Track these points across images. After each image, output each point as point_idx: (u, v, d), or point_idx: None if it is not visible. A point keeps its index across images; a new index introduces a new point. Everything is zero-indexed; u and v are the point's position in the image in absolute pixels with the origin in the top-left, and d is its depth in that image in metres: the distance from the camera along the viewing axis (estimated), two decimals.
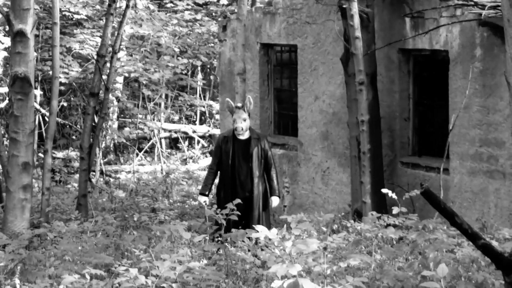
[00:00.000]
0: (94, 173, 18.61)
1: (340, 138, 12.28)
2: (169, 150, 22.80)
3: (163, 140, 22.62)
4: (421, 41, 10.92)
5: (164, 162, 21.00)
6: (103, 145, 21.07)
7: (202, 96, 24.27)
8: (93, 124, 12.96)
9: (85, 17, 20.17)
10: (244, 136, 10.10)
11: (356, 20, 10.62)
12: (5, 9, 10.68)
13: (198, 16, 21.10)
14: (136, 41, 20.26)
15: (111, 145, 21.90)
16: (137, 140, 22.33)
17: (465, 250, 7.56)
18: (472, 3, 10.39)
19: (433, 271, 5.81)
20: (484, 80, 10.20)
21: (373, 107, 10.95)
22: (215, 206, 8.65)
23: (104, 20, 16.05)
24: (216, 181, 10.36)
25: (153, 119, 22.57)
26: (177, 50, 20.14)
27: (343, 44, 11.22)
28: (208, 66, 23.88)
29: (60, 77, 16.64)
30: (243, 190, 9.98)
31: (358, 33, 10.61)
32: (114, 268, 7.06)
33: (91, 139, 12.19)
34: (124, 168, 20.78)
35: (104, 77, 12.42)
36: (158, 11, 21.30)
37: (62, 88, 20.17)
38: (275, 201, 10.14)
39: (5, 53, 19.52)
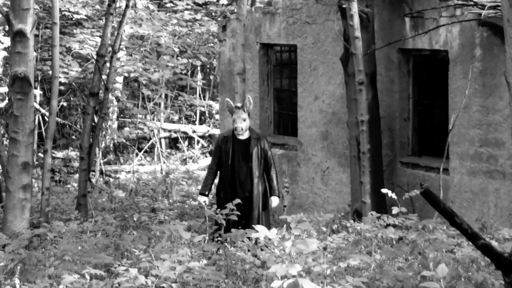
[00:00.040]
0: (94, 173, 18.61)
1: (340, 138, 12.28)
2: (168, 150, 22.80)
3: (162, 140, 22.62)
4: (421, 41, 10.92)
5: (164, 162, 21.00)
6: (103, 145, 21.07)
7: (201, 96, 24.27)
8: (93, 124, 12.95)
9: (85, 17, 20.17)
10: (244, 136, 10.10)
11: (356, 20, 10.62)
12: (5, 9, 10.68)
13: (198, 16, 21.10)
14: (136, 41, 20.26)
15: (111, 145, 21.90)
16: (136, 140, 22.33)
17: (465, 250, 7.56)
18: (472, 3, 10.40)
19: (433, 271, 5.81)
20: (484, 80, 10.20)
21: (372, 107, 10.95)
22: (215, 206, 8.65)
23: (103, 20, 16.06)
24: (216, 181, 10.36)
25: (153, 119, 22.57)
26: (176, 50, 20.14)
27: (343, 44, 11.22)
28: (208, 66, 23.87)
29: (59, 77, 16.62)
30: (243, 190, 9.98)
31: (358, 33, 10.61)
32: (114, 268, 7.06)
33: (91, 139, 12.19)
34: (124, 168, 20.78)
35: (104, 77, 12.42)
36: (158, 11, 21.30)
37: (62, 88, 20.17)
38: (274, 201, 10.14)
39: (5, 53, 19.52)
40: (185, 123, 23.69)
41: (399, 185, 11.19)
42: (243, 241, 8.22)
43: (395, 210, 8.05)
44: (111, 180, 19.10)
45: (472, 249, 7.44)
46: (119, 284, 6.38)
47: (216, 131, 21.75)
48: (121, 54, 19.32)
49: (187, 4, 21.68)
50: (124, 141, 21.44)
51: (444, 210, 5.29)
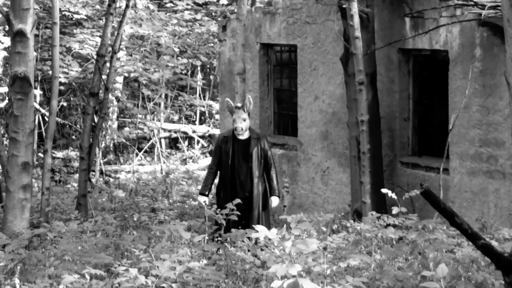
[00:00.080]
0: (94, 173, 18.61)
1: (340, 138, 12.28)
2: (168, 150, 22.80)
3: (162, 140, 22.62)
4: (421, 41, 10.92)
5: (164, 162, 21.00)
6: (103, 145, 21.07)
7: (202, 96, 24.27)
8: (93, 124, 12.95)
9: (85, 17, 20.16)
10: (244, 136, 10.10)
11: (356, 20, 10.62)
12: (5, 9, 10.68)
13: (198, 16, 21.10)
14: (136, 41, 20.26)
15: (111, 145, 21.90)
16: (136, 140, 22.33)
17: (465, 250, 7.56)
18: (472, 3, 10.39)
19: (433, 271, 5.81)
20: (484, 80, 10.20)
21: (373, 107, 10.95)
22: (215, 206, 8.65)
23: (104, 20, 16.06)
24: (216, 181, 10.36)
25: (153, 119, 22.57)
26: (177, 50, 20.14)
27: (343, 44, 11.22)
28: (208, 66, 23.87)
29: (59, 77, 16.62)
30: (243, 190, 9.98)
31: (358, 33, 10.61)
32: (114, 268, 7.06)
33: (91, 139, 12.19)
34: (123, 168, 20.78)
35: (104, 77, 12.42)
36: (158, 11, 21.30)
37: (62, 88, 20.17)
38: (274, 201, 10.14)
39: (5, 53, 19.52)
40: (185, 123, 23.69)
41: (399, 185, 11.19)
42: (243, 241, 8.22)
43: (395, 210, 8.05)
44: (111, 180, 19.09)
45: (472, 249, 7.44)
46: (119, 284, 6.38)
47: (216, 131, 21.75)
48: (121, 54, 19.32)
49: (187, 4, 21.68)
50: (124, 141, 21.44)
51: (444, 210, 5.29)
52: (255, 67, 13.64)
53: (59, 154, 20.70)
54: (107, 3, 12.93)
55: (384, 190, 8.19)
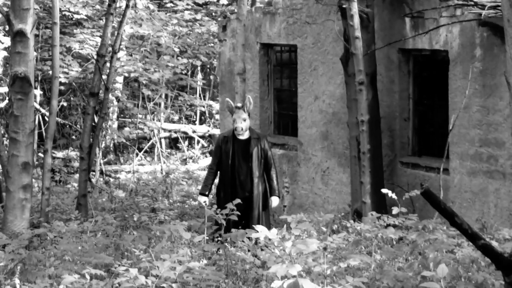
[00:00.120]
0: (94, 173, 18.61)
1: (340, 138, 12.28)
2: (169, 150, 22.80)
3: (163, 140, 22.62)
4: (421, 41, 10.92)
5: (164, 162, 21.00)
6: (103, 145, 21.07)
7: (202, 96, 24.27)
8: (93, 124, 12.95)
9: (85, 17, 20.17)
10: (244, 136, 10.10)
11: (356, 20, 10.62)
12: (5, 9, 10.68)
13: (198, 16, 21.10)
14: (136, 41, 20.26)
15: (111, 145, 21.90)
16: (137, 140, 22.33)
17: (465, 251, 7.56)
18: (472, 3, 10.39)
19: (433, 271, 5.81)
20: (484, 80, 10.20)
21: (373, 107, 10.95)
22: (215, 206, 8.65)
23: (104, 20, 16.05)
24: (216, 181, 10.36)
25: (153, 119, 22.57)
26: (177, 50, 20.14)
27: (343, 44, 11.22)
28: (208, 66, 23.88)
29: (60, 77, 16.63)
30: (243, 190, 9.98)
31: (358, 33, 10.61)
32: (114, 268, 7.06)
33: (91, 139, 12.19)
34: (124, 168, 20.78)
35: (104, 77, 12.42)
36: (158, 11, 21.30)
37: (62, 88, 20.17)
38: (275, 201, 10.14)
39: (5, 53, 19.52)
40: (185, 123, 23.69)
41: (399, 185, 11.19)
42: (243, 241, 8.22)
43: (395, 210, 8.05)
44: (111, 180, 19.09)
45: (472, 249, 7.44)
46: (119, 284, 6.38)
47: (216, 131, 21.75)
48: (121, 54, 19.33)
49: (187, 4, 21.68)
50: (124, 141, 21.44)
51: (444, 210, 5.29)
52: (255, 67, 13.64)
53: (59, 154, 20.70)
54: (107, 3, 12.93)
55: (384, 190, 8.19)
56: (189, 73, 23.27)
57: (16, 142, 9.65)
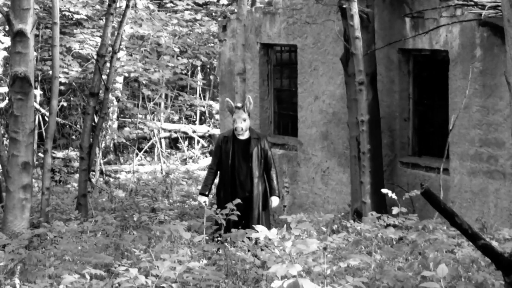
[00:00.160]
0: (94, 173, 18.61)
1: (340, 138, 12.28)
2: (169, 150, 22.80)
3: (163, 140, 22.62)
4: (421, 41, 10.92)
5: (164, 162, 21.00)
6: (103, 145, 21.07)
7: (202, 96, 24.27)
8: (93, 124, 12.95)
9: (85, 17, 20.17)
10: (244, 136, 10.10)
11: (356, 20, 10.62)
12: (5, 8, 10.68)
13: (198, 16, 21.11)
14: (136, 41, 20.26)
15: (111, 145, 21.90)
16: (137, 140, 22.33)
17: (465, 251, 7.56)
18: (472, 3, 10.39)
19: (433, 271, 5.81)
20: (484, 80, 10.20)
21: (373, 107, 10.95)
22: (215, 206, 8.65)
23: (104, 20, 16.05)
24: (216, 181, 10.36)
25: (153, 119, 22.57)
26: (177, 50, 20.14)
27: (343, 44, 11.22)
28: (208, 66, 23.88)
29: (60, 77, 16.63)
30: (243, 190, 9.98)
31: (358, 33, 10.61)
32: (114, 268, 7.06)
33: (91, 139, 12.19)
34: (124, 168, 20.78)
35: (104, 77, 12.42)
36: (158, 11, 21.31)
37: (62, 88, 20.17)
38: (275, 201, 10.14)
39: (5, 53, 19.52)
40: (185, 123, 23.69)
41: (399, 185, 11.19)
42: (243, 241, 8.22)
43: (395, 210, 8.05)
44: (111, 180, 19.09)
45: (472, 249, 7.44)
46: (119, 284, 6.38)
47: (216, 131, 21.75)
48: (121, 54, 19.33)
49: (187, 4, 21.68)
50: (124, 141, 21.44)
51: (444, 210, 5.29)
52: (255, 67, 13.64)
53: (59, 154, 20.70)
54: (107, 3, 12.93)
55: (384, 190, 8.19)
56: (189, 73, 23.27)
57: (16, 142, 9.65)
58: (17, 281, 6.97)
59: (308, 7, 12.68)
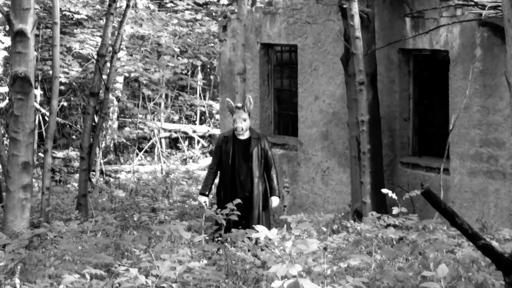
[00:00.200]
0: (94, 173, 18.61)
1: (340, 138, 12.28)
2: (169, 150, 22.80)
3: (163, 140, 22.62)
4: (421, 41, 10.92)
5: (164, 162, 21.00)
6: (103, 145, 21.07)
7: (202, 96, 24.27)
8: (93, 124, 12.95)
9: (85, 17, 20.17)
10: (244, 136, 10.10)
11: (356, 20, 10.62)
12: (5, 8, 10.68)
13: (198, 16, 21.11)
14: (136, 41, 20.26)
15: (111, 145, 21.90)
16: (137, 140, 22.33)
17: (465, 251, 7.56)
18: (472, 3, 10.39)
19: (433, 271, 5.81)
20: (484, 80, 10.20)
21: (373, 107, 10.95)
22: (215, 206, 8.65)
23: (104, 20, 16.05)
24: (216, 181, 10.36)
25: (153, 119, 22.57)
26: (177, 50, 20.14)
27: (343, 44, 11.22)
28: (208, 66, 23.88)
29: (60, 77, 16.64)
30: (243, 190, 9.98)
31: (358, 33, 10.61)
32: (114, 268, 7.06)
33: (91, 139, 12.19)
34: (124, 168, 20.78)
35: (104, 76, 12.42)
36: (158, 11, 21.31)
37: (62, 87, 20.17)
38: (275, 201, 10.14)
39: (5, 53, 19.52)
40: (185, 123, 23.69)
41: (400, 185, 11.19)
42: (243, 241, 8.22)
43: (395, 210, 8.04)
44: (111, 180, 19.09)
45: (472, 249, 7.44)
46: (119, 284, 6.38)
47: (216, 131, 21.75)
48: (122, 54, 19.33)
49: (188, 4, 21.68)
50: (124, 141, 21.44)
51: (444, 210, 5.29)
52: (255, 67, 13.64)
53: (60, 154, 20.70)
54: (107, 3, 12.93)
55: (384, 190, 8.18)
56: (189, 73, 23.27)
57: (16, 142, 9.65)
58: (17, 281, 6.97)
59: (308, 7, 12.68)
